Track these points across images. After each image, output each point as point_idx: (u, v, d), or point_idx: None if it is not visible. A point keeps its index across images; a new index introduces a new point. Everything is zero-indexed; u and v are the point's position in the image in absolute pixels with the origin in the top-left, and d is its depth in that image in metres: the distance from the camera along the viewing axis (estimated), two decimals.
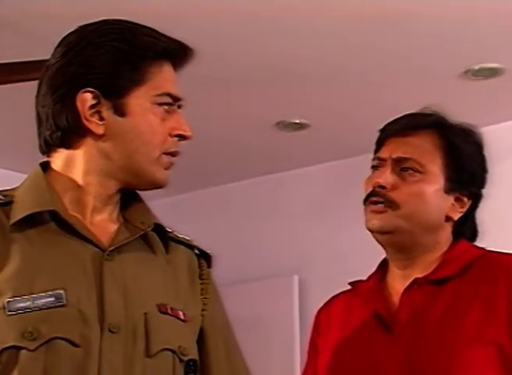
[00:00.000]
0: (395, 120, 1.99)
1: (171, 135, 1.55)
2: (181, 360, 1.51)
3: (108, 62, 1.51)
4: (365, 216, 1.93)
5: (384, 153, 1.94)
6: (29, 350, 1.39)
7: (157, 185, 1.58)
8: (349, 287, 2.04)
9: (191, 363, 1.55)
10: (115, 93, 1.51)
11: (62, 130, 1.52)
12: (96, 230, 1.52)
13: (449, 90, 3.87)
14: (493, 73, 3.75)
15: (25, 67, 2.68)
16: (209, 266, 1.66)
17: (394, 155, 1.91)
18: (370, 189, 1.92)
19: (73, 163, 1.54)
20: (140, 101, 1.52)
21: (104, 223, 1.55)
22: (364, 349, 1.89)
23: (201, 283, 1.62)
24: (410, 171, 1.89)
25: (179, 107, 1.58)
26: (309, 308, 4.33)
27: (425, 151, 1.91)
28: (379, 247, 1.98)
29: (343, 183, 4.65)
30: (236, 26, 3.36)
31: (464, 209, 1.94)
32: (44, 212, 1.49)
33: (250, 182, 5.06)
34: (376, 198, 1.90)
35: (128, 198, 1.60)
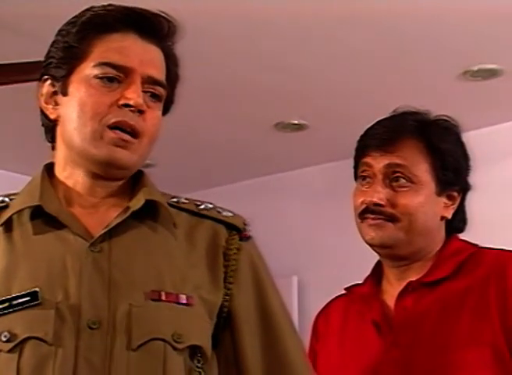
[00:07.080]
0: (374, 128, 1.96)
1: (118, 106, 1.44)
2: (175, 348, 1.40)
3: (55, 48, 1.51)
4: (361, 229, 1.91)
5: (371, 162, 1.91)
6: (5, 352, 1.37)
7: (103, 163, 1.46)
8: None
9: (196, 350, 1.44)
10: (60, 75, 1.49)
11: (43, 125, 1.54)
12: (93, 222, 1.47)
13: (448, 91, 3.87)
14: (492, 74, 3.75)
15: (25, 68, 2.68)
16: (242, 239, 1.55)
17: (382, 164, 1.89)
18: (364, 206, 1.90)
19: (55, 158, 1.54)
20: (79, 76, 1.47)
21: (105, 214, 1.48)
22: (361, 354, 1.89)
23: (226, 260, 1.51)
24: (402, 181, 1.88)
25: (149, 81, 1.47)
26: (308, 308, 4.34)
27: (413, 160, 1.89)
28: None
29: (342, 184, 4.63)
30: (235, 27, 3.37)
31: (456, 205, 1.94)
32: (30, 210, 1.46)
33: (249, 183, 5.07)
34: (374, 214, 1.88)
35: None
